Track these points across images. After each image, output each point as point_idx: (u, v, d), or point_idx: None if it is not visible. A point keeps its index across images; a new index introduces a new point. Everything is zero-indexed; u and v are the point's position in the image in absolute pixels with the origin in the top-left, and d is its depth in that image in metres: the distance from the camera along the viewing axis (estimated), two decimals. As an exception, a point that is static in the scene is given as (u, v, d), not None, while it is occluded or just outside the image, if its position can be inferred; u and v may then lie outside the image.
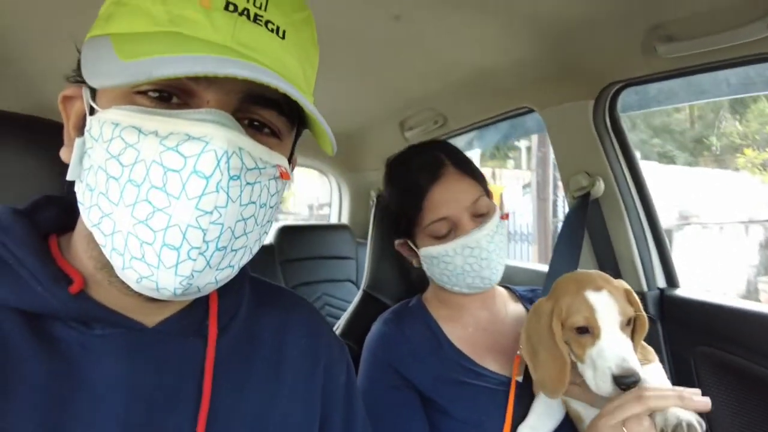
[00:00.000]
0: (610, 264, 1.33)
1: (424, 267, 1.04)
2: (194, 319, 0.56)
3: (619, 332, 0.77)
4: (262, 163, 0.48)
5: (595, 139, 1.30)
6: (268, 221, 0.53)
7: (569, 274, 0.89)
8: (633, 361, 0.74)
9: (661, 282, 1.30)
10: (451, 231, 0.97)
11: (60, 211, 0.56)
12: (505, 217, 1.02)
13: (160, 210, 0.43)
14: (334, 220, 2.68)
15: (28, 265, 0.49)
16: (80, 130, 0.50)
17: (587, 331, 0.78)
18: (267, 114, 0.51)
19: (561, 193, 7.27)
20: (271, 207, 0.51)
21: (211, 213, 0.43)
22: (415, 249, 1.04)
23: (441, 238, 0.98)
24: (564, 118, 1.36)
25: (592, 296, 0.78)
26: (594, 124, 1.29)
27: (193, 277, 0.45)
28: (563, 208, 7.22)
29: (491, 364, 0.97)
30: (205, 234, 0.44)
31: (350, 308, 1.31)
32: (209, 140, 0.43)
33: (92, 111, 0.48)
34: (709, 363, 1.12)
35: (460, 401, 0.92)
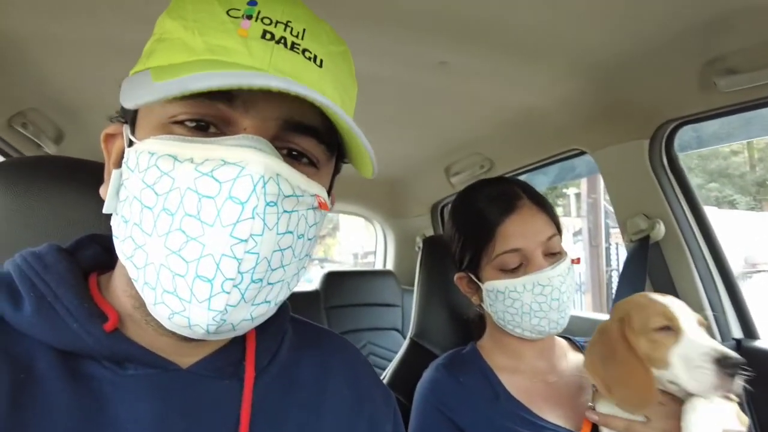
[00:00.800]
0: (677, 312, 1.23)
1: (486, 303, 0.98)
2: (231, 360, 0.54)
3: (700, 328, 0.75)
4: (300, 191, 0.46)
5: (653, 179, 1.24)
6: (307, 255, 0.50)
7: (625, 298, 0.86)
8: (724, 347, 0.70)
9: (737, 332, 1.19)
10: (521, 266, 0.93)
11: (102, 249, 0.57)
12: (576, 261, 0.97)
13: (194, 239, 0.42)
14: (378, 267, 2.66)
15: (65, 302, 0.48)
16: (119, 165, 0.51)
17: (668, 329, 0.75)
18: (305, 142, 0.49)
19: (613, 240, 7.00)
20: (309, 239, 0.49)
21: (246, 241, 0.42)
22: (478, 282, 0.99)
23: (510, 272, 0.93)
24: (618, 159, 1.31)
25: (662, 299, 0.78)
26: (650, 164, 1.24)
27: (226, 312, 0.43)
28: (616, 255, 6.92)
29: (550, 416, 0.90)
30: (239, 264, 0.42)
31: (397, 357, 1.27)
32: (245, 165, 0.42)
33: (130, 143, 0.48)
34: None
35: None
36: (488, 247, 0.95)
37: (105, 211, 0.49)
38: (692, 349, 0.71)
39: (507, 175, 1.81)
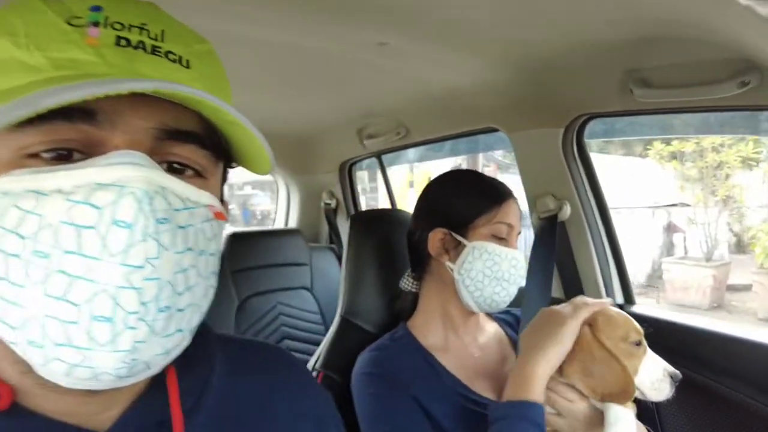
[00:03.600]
0: (574, 282, 1.41)
1: (460, 261, 1.05)
2: (153, 409, 0.47)
3: None
4: (192, 203, 0.42)
5: (563, 164, 1.36)
6: (212, 272, 0.46)
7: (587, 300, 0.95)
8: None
9: (619, 299, 1.40)
10: (506, 238, 1.07)
11: None
12: None
13: (80, 277, 0.36)
14: (280, 224, 2.60)
15: None
16: None
17: (639, 344, 0.87)
18: (186, 151, 0.44)
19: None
20: (212, 254, 0.45)
21: (143, 267, 0.37)
22: (461, 240, 1.05)
23: (499, 239, 1.06)
24: (533, 142, 1.40)
25: (623, 313, 0.90)
26: (562, 150, 1.35)
27: (136, 350, 0.38)
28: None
29: (481, 389, 1.01)
30: (140, 293, 0.37)
31: (328, 336, 1.29)
32: (125, 183, 0.37)
33: None
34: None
35: (461, 428, 0.95)
36: (492, 211, 1.06)
37: None
38: (656, 364, 0.86)
39: (422, 143, 1.85)
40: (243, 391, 0.57)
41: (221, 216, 0.45)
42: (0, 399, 0.41)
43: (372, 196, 6.07)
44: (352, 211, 2.34)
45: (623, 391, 0.83)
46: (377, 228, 1.35)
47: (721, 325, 1.18)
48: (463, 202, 1.10)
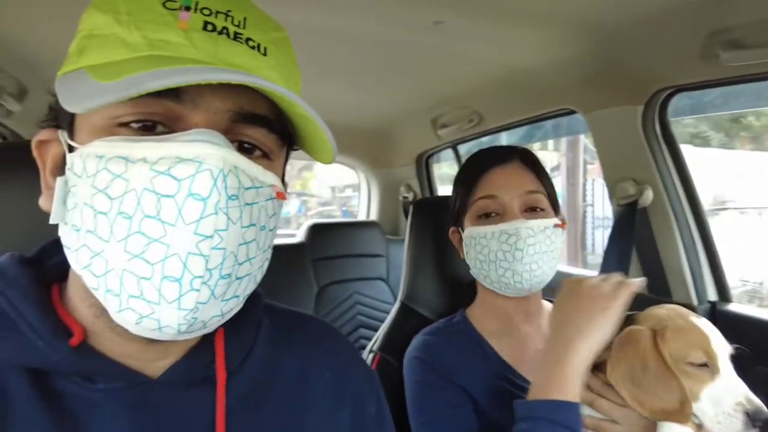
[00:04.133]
0: (658, 276, 1.28)
1: (465, 252, 1.01)
2: (201, 365, 0.52)
3: (731, 367, 0.72)
4: (259, 183, 0.46)
5: (644, 145, 1.24)
6: (269, 247, 0.50)
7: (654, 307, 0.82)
8: (756, 398, 0.69)
9: (712, 295, 1.24)
10: (497, 216, 0.96)
11: None
12: (562, 225, 0.97)
13: (156, 240, 0.40)
14: (362, 217, 2.66)
15: (28, 318, 0.46)
16: (59, 173, 0.48)
17: (705, 365, 0.72)
18: (256, 133, 0.48)
19: (589, 176, 7.11)
20: (271, 230, 0.49)
21: (212, 237, 0.41)
22: (460, 232, 1.02)
23: (486, 218, 0.97)
24: (610, 122, 1.29)
25: (701, 325, 0.74)
26: (643, 130, 1.23)
27: (197, 309, 0.42)
28: (592, 191, 7.06)
29: None
30: (207, 261, 0.41)
31: (387, 321, 1.29)
32: (202, 160, 0.41)
33: (71, 149, 0.46)
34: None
35: (504, 410, 0.90)
36: (470, 193, 0.98)
37: (52, 221, 0.46)
38: (726, 393, 0.70)
39: (496, 130, 1.79)
40: (284, 360, 0.60)
41: (282, 196, 0.49)
42: (73, 336, 0.47)
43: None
44: (431, 204, 2.32)
45: (678, 412, 0.71)
46: (439, 214, 1.33)
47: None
48: (454, 192, 1.04)
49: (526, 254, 0.92)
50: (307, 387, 0.60)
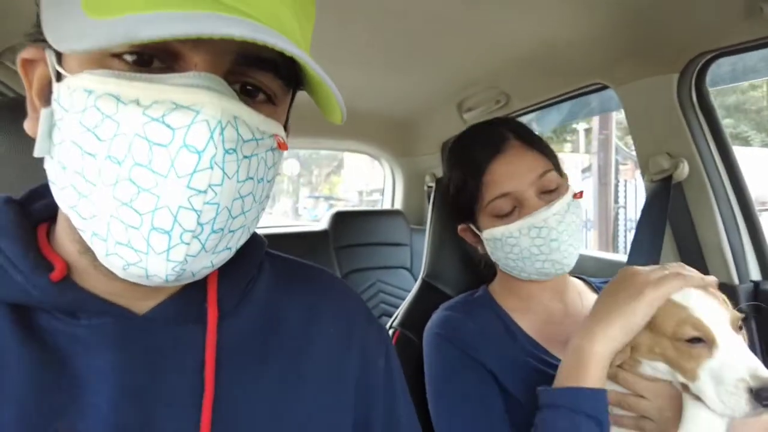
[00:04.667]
0: (695, 254, 1.21)
1: (489, 251, 0.97)
2: (192, 303, 0.50)
3: (739, 340, 0.65)
4: (259, 134, 0.42)
5: (680, 116, 1.17)
6: (266, 197, 0.47)
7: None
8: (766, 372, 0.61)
9: (755, 274, 1.17)
10: (515, 209, 0.90)
11: None
12: (578, 195, 0.92)
13: (147, 190, 0.38)
14: (386, 206, 2.64)
15: (7, 253, 0.45)
16: (45, 98, 0.44)
17: (700, 341, 0.65)
18: (262, 76, 0.45)
19: (621, 177, 6.93)
20: (269, 181, 0.46)
21: (206, 192, 0.38)
22: (479, 233, 0.97)
23: (504, 217, 0.91)
24: (644, 94, 1.23)
25: (695, 301, 0.67)
26: (678, 100, 1.17)
27: (186, 262, 0.40)
28: (624, 192, 6.88)
29: None
30: (199, 216, 0.39)
31: (409, 297, 1.27)
32: (200, 109, 0.38)
33: (59, 76, 0.42)
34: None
35: (532, 390, 0.86)
36: (479, 195, 0.92)
37: (36, 154, 0.43)
38: (727, 370, 0.62)
39: (524, 111, 1.74)
40: (287, 307, 0.57)
41: (284, 147, 0.46)
42: (54, 271, 0.45)
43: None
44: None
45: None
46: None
47: None
48: (456, 193, 0.98)
49: (562, 241, 0.88)
50: (311, 335, 0.57)
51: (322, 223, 2.24)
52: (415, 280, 2.18)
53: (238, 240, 0.46)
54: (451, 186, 1.02)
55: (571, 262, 0.91)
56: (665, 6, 1.04)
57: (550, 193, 0.90)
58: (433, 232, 1.27)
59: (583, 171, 7.29)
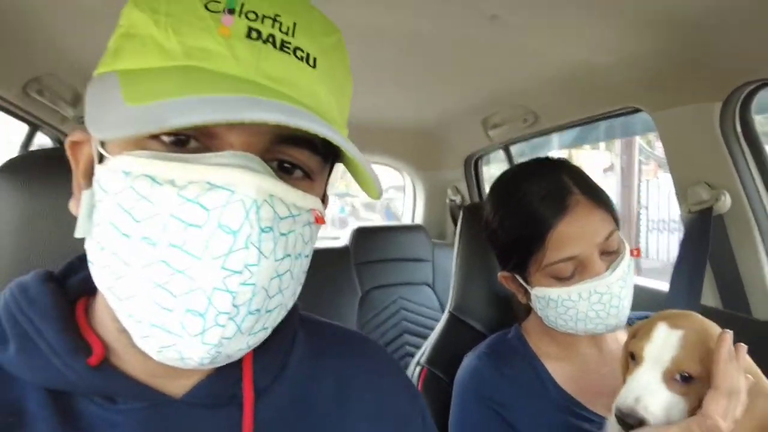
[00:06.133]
0: (736, 290, 1.16)
1: (536, 307, 0.92)
2: (227, 384, 0.49)
3: (657, 375, 0.70)
4: (296, 210, 0.42)
5: (721, 145, 1.12)
6: (304, 272, 0.47)
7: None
8: (645, 405, 0.68)
9: (798, 313, 1.12)
10: (576, 271, 0.85)
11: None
12: (636, 254, 0.88)
13: (180, 272, 0.37)
14: (407, 220, 2.61)
15: (47, 337, 0.44)
16: (89, 179, 0.45)
17: (633, 359, 0.75)
18: (299, 154, 0.44)
19: (644, 177, 6.80)
20: (306, 256, 0.45)
21: (241, 273, 0.38)
22: (526, 286, 0.92)
23: (563, 279, 0.85)
24: (683, 121, 1.18)
25: (660, 328, 0.72)
26: (721, 129, 1.11)
27: (221, 345, 0.39)
28: (646, 192, 6.75)
29: (602, 409, 0.86)
30: (234, 297, 0.38)
31: (436, 332, 1.23)
32: (234, 188, 0.37)
33: (101, 158, 0.42)
34: None
35: None
36: (538, 253, 0.86)
37: (77, 235, 0.43)
38: (622, 389, 0.73)
39: (552, 130, 1.69)
40: (321, 378, 0.56)
41: (321, 220, 0.46)
42: (93, 355, 0.44)
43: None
44: (479, 207, 2.25)
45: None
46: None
47: None
48: (508, 243, 0.91)
49: (621, 306, 0.84)
50: (346, 406, 0.55)
51: (342, 240, 2.22)
52: (438, 298, 2.17)
53: (276, 319, 0.45)
54: (499, 231, 0.94)
55: (624, 321, 0.87)
56: (710, 33, 0.99)
57: (611, 254, 0.86)
58: (461, 263, 1.24)
59: (605, 171, 7.17)
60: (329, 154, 0.46)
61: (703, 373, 0.68)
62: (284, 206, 0.41)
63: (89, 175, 0.45)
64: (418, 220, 2.52)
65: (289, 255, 0.42)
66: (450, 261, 2.20)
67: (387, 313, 2.07)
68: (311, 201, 0.44)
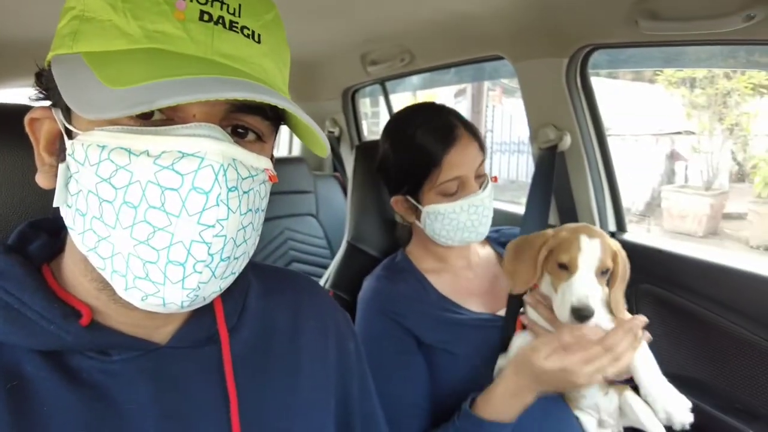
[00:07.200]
0: (570, 210, 1.47)
1: (425, 222, 1.11)
2: (203, 327, 0.57)
3: (592, 276, 0.91)
4: (254, 171, 0.49)
5: (566, 95, 1.37)
6: (261, 224, 0.54)
7: (574, 224, 1.01)
8: (593, 300, 0.88)
9: (612, 227, 1.47)
10: (458, 190, 1.06)
11: (48, 237, 0.56)
12: (494, 180, 1.13)
13: (161, 229, 0.44)
14: (284, 152, 2.62)
15: (34, 307, 0.49)
16: (54, 153, 0.50)
17: (566, 268, 0.92)
18: (252, 120, 0.51)
19: (490, 102, 7.44)
20: (263, 210, 0.53)
21: (214, 226, 0.44)
22: (417, 205, 1.10)
23: (449, 196, 1.06)
24: (537, 72, 1.41)
25: (584, 240, 0.92)
26: (566, 81, 1.36)
27: (199, 289, 0.46)
28: (492, 118, 7.42)
29: (473, 306, 1.11)
30: (209, 247, 0.45)
31: (336, 260, 1.37)
32: (204, 155, 0.44)
33: (69, 133, 0.47)
34: (648, 299, 1.32)
35: (452, 340, 1.05)
36: (432, 176, 1.06)
37: (55, 204, 0.48)
38: (568, 292, 0.90)
39: (426, 70, 1.84)
40: (276, 310, 0.66)
41: (274, 179, 0.52)
42: (82, 317, 0.49)
43: (374, 121, 6.02)
44: (356, 139, 2.36)
45: (525, 284, 0.99)
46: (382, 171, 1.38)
47: (704, 251, 1.25)
48: (405, 167, 1.11)
49: (488, 216, 1.08)
50: (299, 333, 0.66)
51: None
52: (322, 226, 2.29)
53: (241, 265, 0.52)
54: (390, 163, 1.13)
55: (488, 230, 1.11)
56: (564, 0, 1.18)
57: (480, 177, 1.09)
58: (356, 197, 1.36)
59: (456, 96, 7.68)
60: (277, 118, 0.53)
61: (611, 265, 0.92)
62: (245, 168, 0.47)
63: (53, 149, 0.49)
64: (296, 152, 2.55)
65: (250, 210, 0.49)
66: (332, 191, 2.33)
67: (275, 244, 2.14)
68: (264, 162, 0.51)
